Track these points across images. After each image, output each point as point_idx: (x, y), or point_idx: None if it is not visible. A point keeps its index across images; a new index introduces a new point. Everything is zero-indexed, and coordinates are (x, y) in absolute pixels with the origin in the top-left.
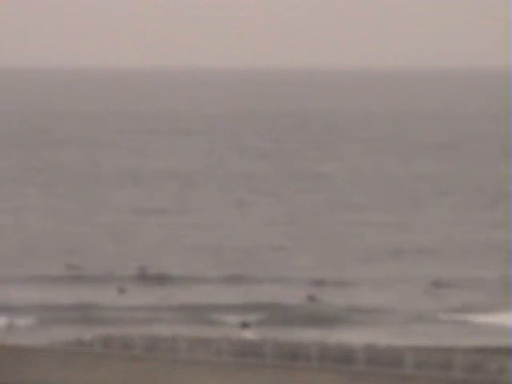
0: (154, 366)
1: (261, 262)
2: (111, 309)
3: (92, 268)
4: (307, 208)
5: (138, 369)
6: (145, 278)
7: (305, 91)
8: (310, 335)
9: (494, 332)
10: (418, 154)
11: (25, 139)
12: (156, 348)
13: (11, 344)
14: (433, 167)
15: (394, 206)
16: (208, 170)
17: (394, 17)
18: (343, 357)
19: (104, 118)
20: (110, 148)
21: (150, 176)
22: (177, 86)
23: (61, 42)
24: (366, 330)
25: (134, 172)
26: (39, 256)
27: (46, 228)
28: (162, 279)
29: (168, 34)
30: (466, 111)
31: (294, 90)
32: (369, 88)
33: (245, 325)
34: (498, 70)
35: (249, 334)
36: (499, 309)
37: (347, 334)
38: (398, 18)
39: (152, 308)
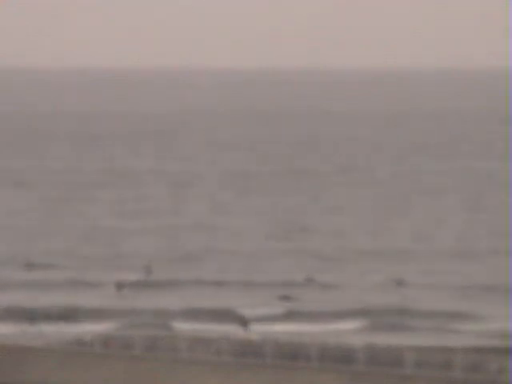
0: (154, 365)
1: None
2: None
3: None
4: (295, 208)
5: (138, 369)
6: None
7: (304, 91)
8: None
9: None
10: (415, 154)
11: (21, 139)
12: (156, 348)
13: (11, 344)
14: (427, 167)
15: (381, 206)
16: (204, 170)
17: (394, 17)
18: (343, 357)
19: (101, 118)
20: (108, 148)
21: (143, 175)
22: (177, 87)
23: (61, 42)
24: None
25: (128, 172)
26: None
27: (34, 228)
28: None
29: (168, 34)
30: (466, 112)
31: (293, 90)
32: (369, 88)
33: (244, 321)
34: (498, 70)
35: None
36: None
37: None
38: (398, 19)
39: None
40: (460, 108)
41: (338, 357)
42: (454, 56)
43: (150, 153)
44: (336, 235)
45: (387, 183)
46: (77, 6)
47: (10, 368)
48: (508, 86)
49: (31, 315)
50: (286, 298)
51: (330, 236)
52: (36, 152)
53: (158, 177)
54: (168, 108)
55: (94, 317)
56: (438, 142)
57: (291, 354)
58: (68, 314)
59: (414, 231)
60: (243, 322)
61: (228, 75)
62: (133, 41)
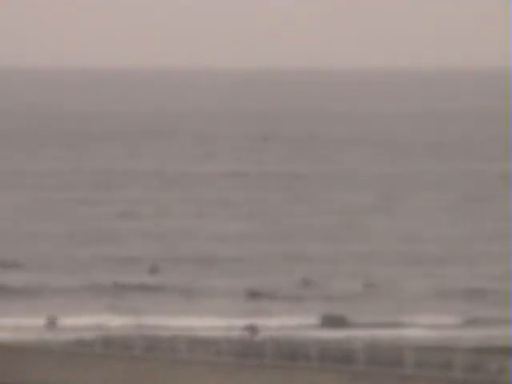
0: (154, 366)
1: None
2: None
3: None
4: (293, 210)
5: (138, 369)
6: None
7: (304, 91)
8: None
9: None
10: (414, 154)
11: (19, 139)
12: (156, 348)
13: (11, 344)
14: (427, 167)
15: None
16: (203, 171)
17: (394, 17)
18: (343, 357)
19: (101, 118)
20: (107, 148)
21: (140, 176)
22: (177, 87)
23: (61, 42)
24: None
25: (125, 172)
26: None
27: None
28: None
29: (168, 34)
30: (466, 112)
31: (293, 90)
32: (368, 88)
33: (253, 329)
34: (498, 70)
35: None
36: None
37: None
38: (398, 19)
39: None
40: (460, 108)
41: (338, 357)
42: (454, 56)
43: (149, 153)
44: (328, 238)
45: (385, 184)
46: (77, 6)
47: (10, 368)
48: (508, 86)
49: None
50: (254, 294)
51: (322, 239)
52: (34, 152)
53: (156, 177)
54: (168, 108)
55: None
56: (437, 143)
57: (291, 354)
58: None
59: (406, 233)
60: (252, 329)
61: (228, 75)
62: (133, 41)
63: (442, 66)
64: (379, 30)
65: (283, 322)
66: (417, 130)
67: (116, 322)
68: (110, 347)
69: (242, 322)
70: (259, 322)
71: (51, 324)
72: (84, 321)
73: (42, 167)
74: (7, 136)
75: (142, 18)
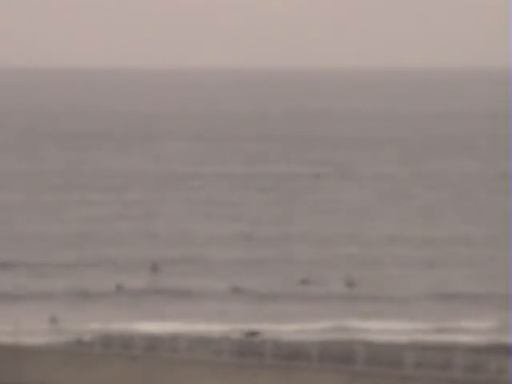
0: (154, 366)
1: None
2: None
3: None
4: (291, 212)
5: (138, 369)
6: None
7: (304, 91)
8: None
9: None
10: (413, 155)
11: (16, 139)
12: (156, 348)
13: (11, 344)
14: (425, 169)
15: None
16: (202, 171)
17: (393, 17)
18: (343, 357)
19: (100, 118)
20: (106, 149)
21: (138, 177)
22: (177, 87)
23: (61, 42)
24: None
25: (124, 173)
26: None
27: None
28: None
29: (168, 34)
30: (466, 112)
31: (293, 90)
32: (369, 88)
33: (253, 333)
34: (498, 70)
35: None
36: None
37: None
38: (397, 19)
39: None
40: (459, 108)
41: (338, 357)
42: (454, 56)
43: (148, 154)
44: (320, 241)
45: (380, 186)
46: (77, 5)
47: (10, 368)
48: (508, 86)
49: None
50: (237, 289)
51: (315, 241)
52: (32, 153)
53: (153, 178)
54: (168, 108)
55: None
56: (436, 143)
57: (291, 354)
58: None
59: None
60: (252, 333)
61: (228, 75)
62: (133, 41)
63: (442, 65)
64: (379, 30)
65: (282, 326)
66: (415, 130)
67: (117, 323)
68: (109, 347)
69: (240, 324)
70: (257, 324)
71: (52, 326)
72: (84, 322)
73: (40, 167)
74: (2, 137)
75: (142, 18)
